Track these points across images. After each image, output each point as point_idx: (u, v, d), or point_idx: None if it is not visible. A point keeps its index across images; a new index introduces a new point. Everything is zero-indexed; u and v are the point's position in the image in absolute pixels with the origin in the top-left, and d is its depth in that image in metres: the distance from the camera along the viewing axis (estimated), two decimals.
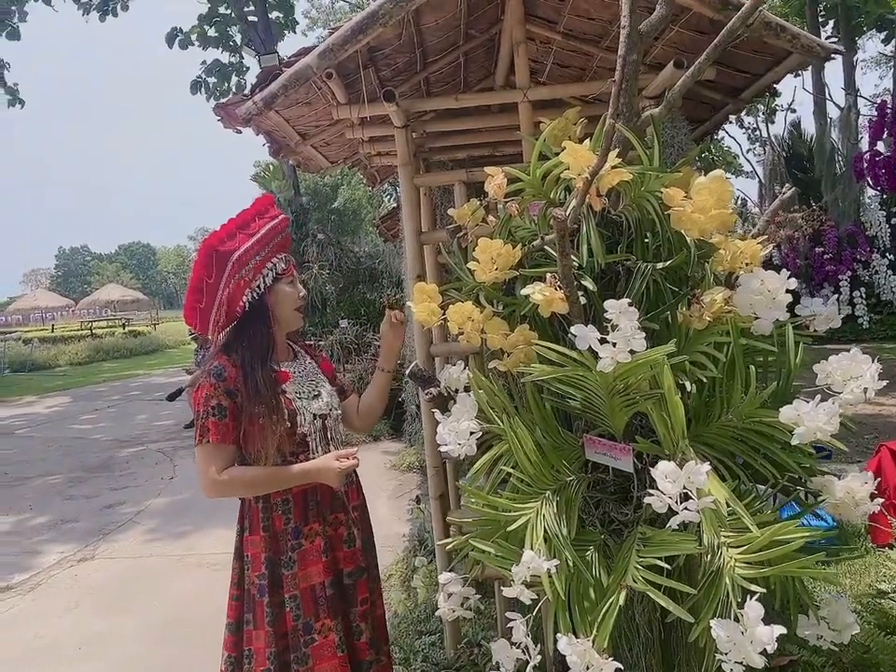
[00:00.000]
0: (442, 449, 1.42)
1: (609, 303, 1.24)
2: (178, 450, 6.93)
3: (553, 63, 2.44)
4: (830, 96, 13.11)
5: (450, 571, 1.61)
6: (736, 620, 1.15)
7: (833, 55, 1.65)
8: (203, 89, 13.67)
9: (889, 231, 9.03)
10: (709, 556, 1.31)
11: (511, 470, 1.44)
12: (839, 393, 1.30)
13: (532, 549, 1.33)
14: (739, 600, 1.17)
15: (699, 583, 1.28)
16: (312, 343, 2.04)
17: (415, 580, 2.41)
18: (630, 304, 1.23)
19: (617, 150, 1.38)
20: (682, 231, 1.42)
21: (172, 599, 3.39)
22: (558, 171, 1.62)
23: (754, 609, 1.11)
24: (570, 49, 2.27)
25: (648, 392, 1.37)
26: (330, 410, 1.84)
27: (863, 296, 9.06)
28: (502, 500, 1.40)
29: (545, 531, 1.37)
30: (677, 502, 1.12)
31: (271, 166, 10.42)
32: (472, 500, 1.43)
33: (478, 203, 1.75)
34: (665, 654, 1.62)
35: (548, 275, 1.45)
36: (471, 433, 1.42)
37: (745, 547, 1.25)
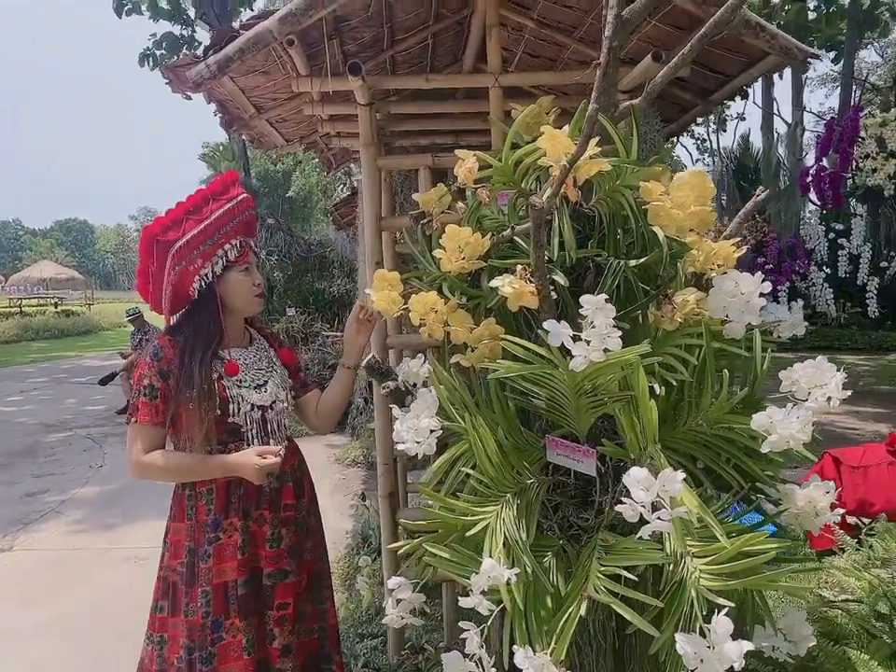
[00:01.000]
0: (400, 447, 1.34)
1: (585, 299, 1.17)
2: (109, 437, 6.60)
3: (523, 53, 2.37)
4: (778, 111, 13.56)
5: (398, 575, 1.52)
6: (701, 634, 1.11)
7: (808, 60, 1.64)
8: (151, 61, 13.12)
9: (826, 245, 9.38)
10: (672, 566, 1.27)
11: (471, 472, 1.36)
12: (803, 401, 1.27)
13: (491, 556, 1.26)
14: (704, 613, 1.13)
15: (660, 594, 1.24)
16: (272, 330, 1.92)
17: (359, 581, 2.31)
18: (607, 300, 1.17)
19: (597, 139, 1.32)
20: (658, 228, 1.37)
21: (94, 594, 3.20)
22: (530, 159, 1.55)
23: (723, 624, 1.06)
24: (542, 39, 2.20)
25: (617, 394, 1.31)
26: (274, 401, 1.75)
27: (800, 307, 9.36)
28: (461, 503, 1.32)
29: (504, 536, 1.30)
30: (649, 511, 1.06)
31: (221, 146, 10.09)
32: (429, 502, 1.35)
33: (445, 188, 1.67)
34: (618, 664, 1.58)
35: (518, 267, 1.38)
36: (431, 431, 1.33)
37: (711, 558, 1.21)
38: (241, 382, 1.72)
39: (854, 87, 11.93)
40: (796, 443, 1.19)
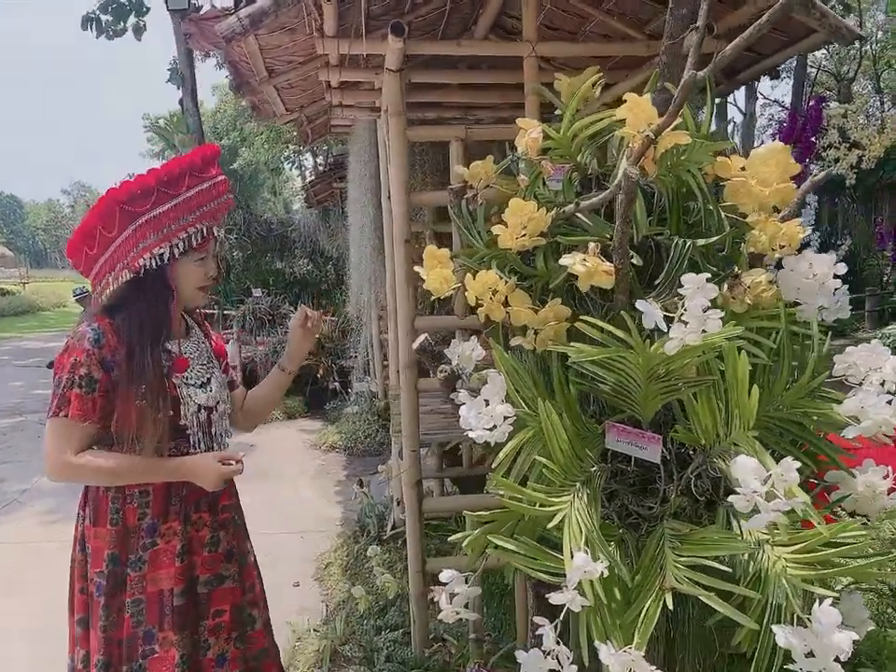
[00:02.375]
0: (472, 434, 1.25)
1: (686, 278, 1.11)
2: None
3: (540, 24, 2.28)
4: (734, 100, 13.84)
5: (448, 569, 1.45)
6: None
7: (853, 40, 1.62)
8: (94, 26, 12.40)
9: None
10: (749, 556, 1.23)
11: (543, 459, 1.30)
12: (856, 385, 1.26)
13: (572, 547, 1.20)
14: (800, 603, 1.10)
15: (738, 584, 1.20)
16: (206, 313, 1.79)
17: (376, 571, 2.23)
18: (709, 280, 1.11)
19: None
20: (735, 205, 1.33)
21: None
22: (589, 131, 1.48)
23: (829, 614, 1.03)
24: (563, 9, 2.12)
25: (697, 378, 1.26)
26: (218, 402, 1.64)
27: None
28: (537, 493, 1.25)
29: (582, 528, 1.24)
30: (764, 501, 1.02)
31: (174, 117, 9.62)
32: (499, 491, 1.28)
33: (492, 160, 1.58)
34: (669, 652, 1.55)
35: (591, 245, 1.31)
36: (505, 417, 1.26)
37: (797, 546, 1.18)
38: (187, 379, 1.58)
39: (805, 78, 12.27)
40: (888, 428, 1.16)
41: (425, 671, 1.91)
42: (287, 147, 14.90)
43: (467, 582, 1.44)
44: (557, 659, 1.21)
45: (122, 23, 12.55)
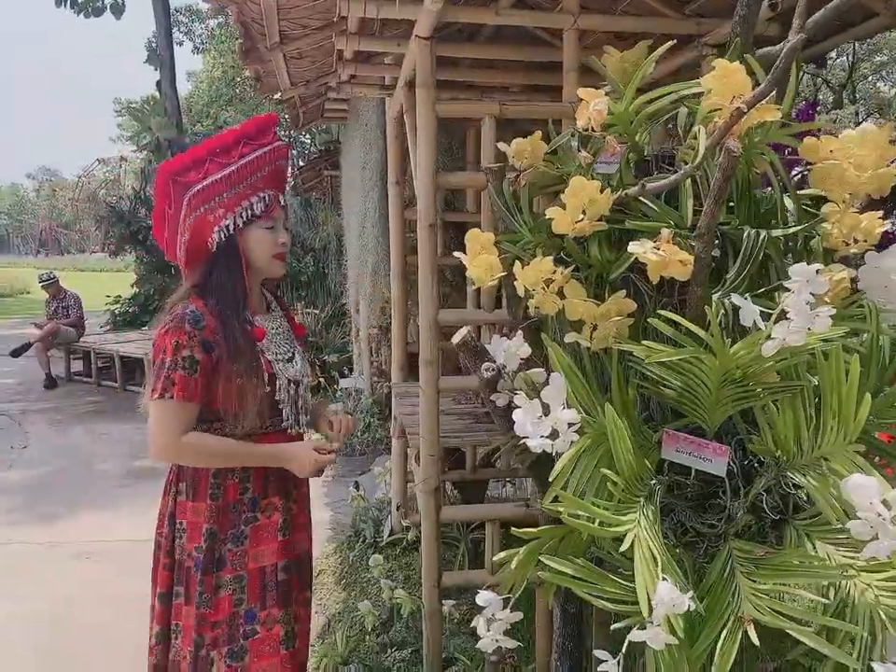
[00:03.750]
0: (531, 444, 1.10)
1: (795, 269, 0.98)
2: (29, 413, 5.96)
3: None
4: None
5: (486, 592, 1.30)
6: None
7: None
8: (68, 3, 11.93)
9: None
10: (831, 583, 1.11)
11: (609, 472, 1.15)
12: None
13: (649, 575, 1.06)
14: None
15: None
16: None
17: (383, 584, 2.07)
18: (817, 272, 0.97)
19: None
20: (822, 193, 1.20)
21: (46, 598, 2.78)
22: (653, 108, 1.35)
23: None
24: None
25: (784, 384, 1.13)
26: (303, 376, 1.63)
27: None
28: (604, 512, 1.10)
29: (654, 551, 1.10)
30: (888, 525, 0.88)
31: (152, 99, 9.27)
32: (559, 506, 1.13)
33: (540, 135, 1.44)
34: None
35: (664, 231, 1.17)
36: (569, 424, 1.11)
37: (889, 573, 1.06)
38: (276, 354, 1.57)
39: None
40: None
41: None
42: None
43: (506, 606, 1.30)
44: None
45: (101, 1, 12.10)
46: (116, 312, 9.18)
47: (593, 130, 1.27)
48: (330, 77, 2.38)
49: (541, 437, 1.12)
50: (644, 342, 1.16)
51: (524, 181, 1.46)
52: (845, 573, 1.07)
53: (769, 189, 1.35)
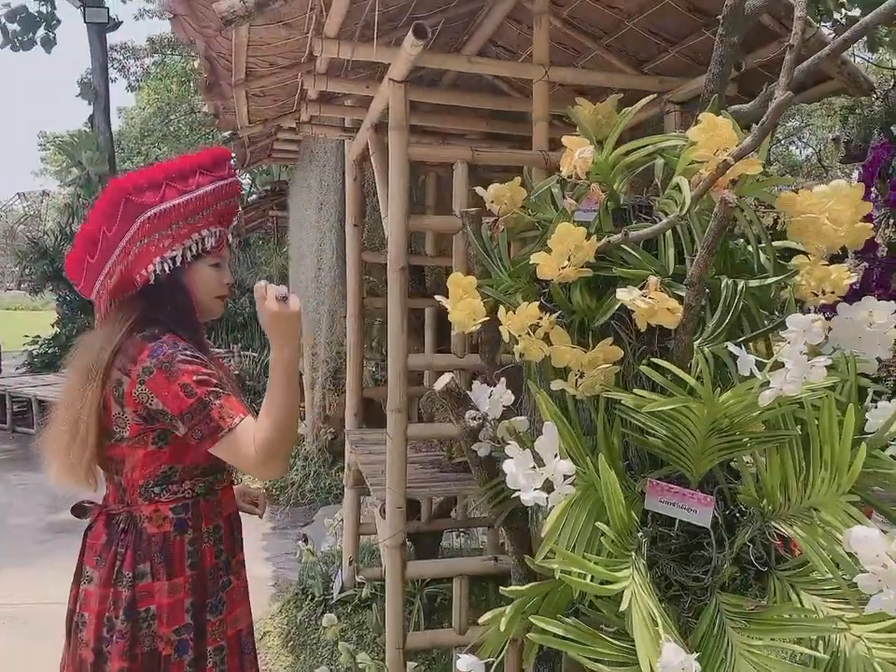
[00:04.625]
0: (524, 497, 1.05)
1: (792, 319, 0.98)
2: None
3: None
4: None
5: (467, 656, 1.23)
6: None
7: (869, 92, 1.61)
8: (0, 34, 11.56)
9: None
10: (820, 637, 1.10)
11: (604, 527, 1.11)
12: None
13: (642, 633, 1.02)
14: None
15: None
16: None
17: (341, 647, 1.93)
18: (813, 322, 0.98)
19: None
20: (795, 245, 1.23)
21: None
22: (632, 158, 1.37)
23: None
24: (559, 41, 2.03)
25: (774, 433, 1.13)
26: None
27: None
28: (599, 568, 1.06)
29: (652, 610, 1.06)
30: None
31: (83, 133, 8.98)
32: (552, 563, 1.07)
33: (519, 181, 1.44)
34: None
35: (652, 279, 1.17)
36: (565, 476, 1.07)
37: (881, 625, 1.05)
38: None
39: None
40: None
41: None
42: None
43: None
44: None
45: (31, 34, 11.77)
46: (34, 353, 8.65)
47: (577, 178, 1.28)
48: (289, 116, 2.34)
49: (535, 490, 1.07)
50: (635, 390, 1.14)
51: (502, 226, 1.45)
52: (837, 626, 1.06)
53: (740, 240, 1.38)
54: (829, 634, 1.07)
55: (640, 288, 1.18)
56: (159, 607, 1.28)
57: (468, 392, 1.28)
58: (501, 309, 1.26)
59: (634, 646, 1.10)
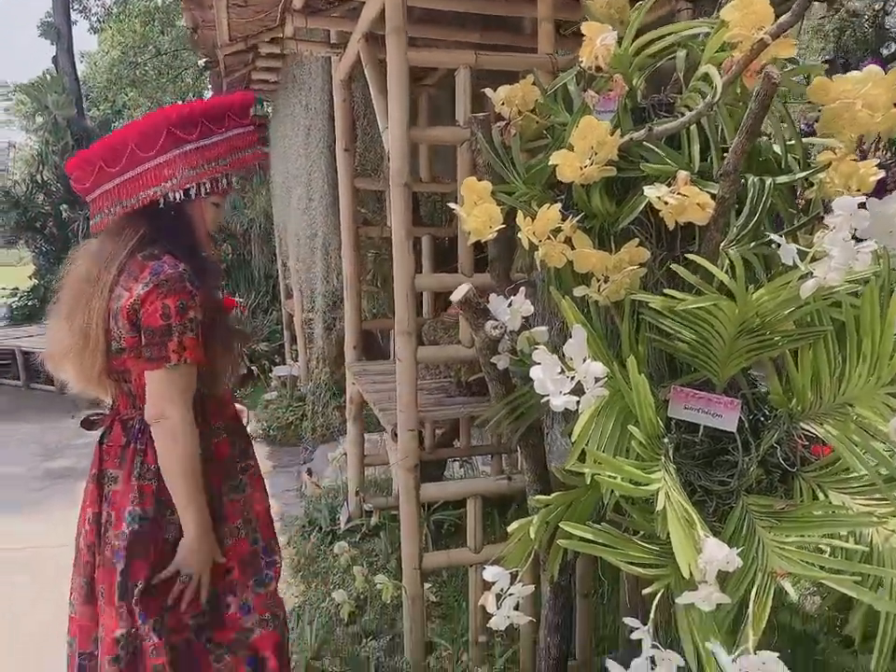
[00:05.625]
0: (554, 402, 1.02)
1: (839, 203, 0.93)
2: None
3: None
4: None
5: (492, 567, 1.22)
6: None
7: None
8: None
9: None
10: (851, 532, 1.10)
11: (636, 430, 1.09)
12: None
13: (678, 532, 1.00)
14: None
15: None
16: None
17: (356, 571, 1.94)
18: (860, 206, 0.94)
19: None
20: (832, 135, 1.17)
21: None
22: (656, 47, 1.29)
23: None
24: None
25: (808, 330, 1.10)
26: None
27: None
28: (635, 470, 1.04)
29: (685, 507, 1.04)
30: None
31: (48, 75, 8.55)
32: (583, 466, 1.05)
33: (531, 79, 1.35)
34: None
35: (681, 174, 1.11)
36: (596, 379, 1.03)
37: None
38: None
39: None
40: None
41: None
42: None
43: (514, 580, 1.21)
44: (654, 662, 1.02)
45: None
46: (13, 305, 8.45)
47: (597, 70, 1.20)
48: (272, 33, 2.20)
49: (564, 394, 1.03)
50: (665, 290, 1.10)
51: (514, 130, 1.37)
52: (870, 520, 1.05)
53: (764, 137, 1.32)
54: (861, 528, 1.07)
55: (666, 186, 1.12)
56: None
57: (486, 305, 1.23)
58: (520, 214, 1.20)
59: (664, 550, 1.09)
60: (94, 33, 16.46)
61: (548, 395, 1.04)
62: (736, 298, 1.07)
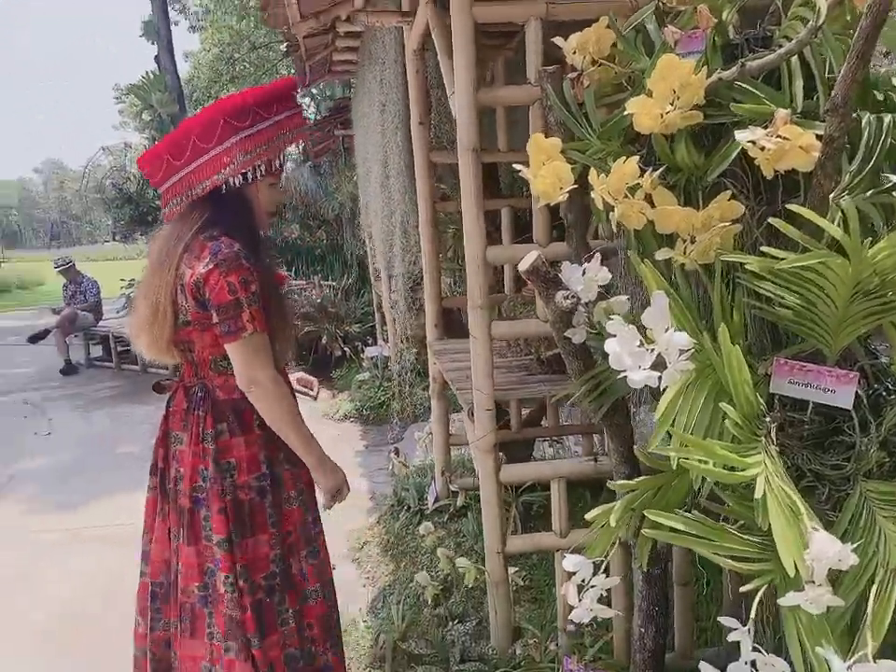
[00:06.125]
0: (633, 377, 0.91)
1: None
2: (50, 401, 5.87)
3: None
4: None
5: (573, 556, 1.13)
6: None
7: None
8: None
9: None
10: None
11: (729, 408, 0.97)
12: None
13: (782, 523, 0.88)
14: None
15: None
16: None
17: (440, 553, 1.91)
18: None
19: None
20: None
21: (72, 587, 2.68)
22: None
23: None
24: None
25: None
26: None
27: None
28: (726, 452, 0.92)
29: (790, 495, 0.92)
30: None
31: (151, 74, 9.03)
32: (668, 449, 0.94)
33: (606, 21, 1.23)
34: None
35: (781, 113, 0.97)
36: (681, 351, 0.92)
37: None
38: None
39: None
40: None
41: (512, 669, 1.61)
42: None
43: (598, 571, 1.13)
44: (755, 667, 0.91)
45: None
46: (131, 295, 9.07)
47: (680, 2, 1.06)
48: (342, 6, 2.16)
49: (643, 369, 0.92)
50: (762, 248, 0.96)
51: (587, 82, 1.26)
52: None
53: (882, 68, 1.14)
54: None
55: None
56: (238, 459, 1.47)
57: (557, 273, 1.14)
58: (592, 172, 1.09)
59: (766, 543, 0.97)
60: (194, 31, 17.21)
61: (625, 370, 0.93)
62: (850, 254, 0.92)
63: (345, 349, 5.32)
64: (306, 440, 1.49)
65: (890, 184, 1.03)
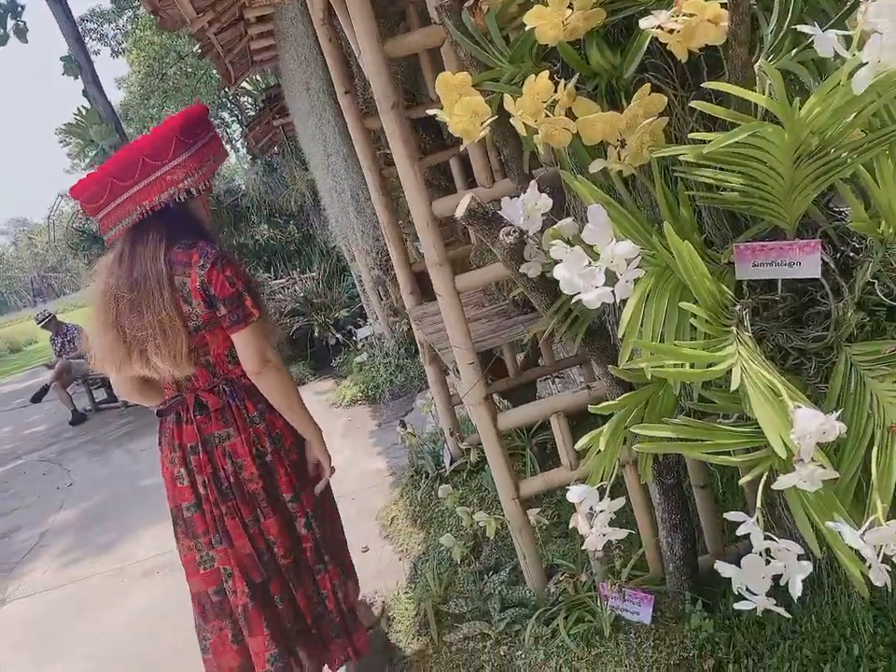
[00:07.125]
0: (585, 298, 0.89)
1: None
2: (66, 453, 5.89)
3: None
4: None
5: (576, 486, 1.12)
6: None
7: None
8: None
9: None
10: None
11: (692, 306, 0.94)
12: None
13: (765, 407, 0.86)
14: None
15: None
16: None
17: (460, 511, 1.92)
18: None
19: None
20: None
21: (125, 625, 2.71)
22: None
23: None
24: None
25: (879, 134, 0.89)
26: None
27: None
28: (695, 352, 0.90)
29: (768, 378, 0.90)
30: None
31: (83, 109, 8.82)
32: (640, 362, 0.92)
33: None
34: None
35: None
36: (628, 260, 0.89)
37: None
38: None
39: None
40: None
41: (551, 607, 1.62)
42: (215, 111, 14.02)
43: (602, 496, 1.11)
44: (770, 555, 0.90)
45: (2, 29, 11.48)
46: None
47: None
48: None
49: (596, 287, 0.90)
50: (690, 135, 0.93)
51: (486, 7, 1.20)
52: None
53: None
54: None
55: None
56: (281, 429, 1.63)
57: (497, 211, 1.10)
58: (507, 99, 1.04)
59: (756, 430, 0.95)
60: (116, 56, 16.79)
61: (579, 293, 0.91)
62: (782, 119, 0.89)
63: (338, 336, 5.29)
64: (309, 415, 1.65)
65: (810, 40, 0.99)
